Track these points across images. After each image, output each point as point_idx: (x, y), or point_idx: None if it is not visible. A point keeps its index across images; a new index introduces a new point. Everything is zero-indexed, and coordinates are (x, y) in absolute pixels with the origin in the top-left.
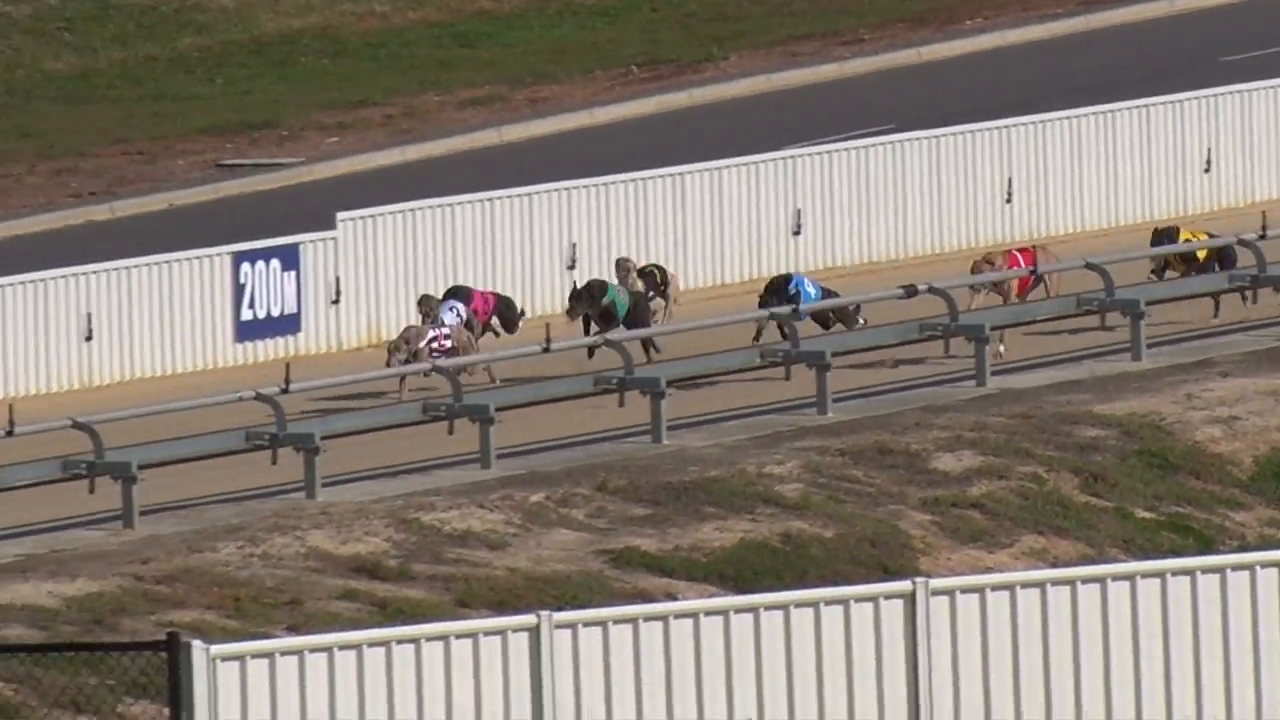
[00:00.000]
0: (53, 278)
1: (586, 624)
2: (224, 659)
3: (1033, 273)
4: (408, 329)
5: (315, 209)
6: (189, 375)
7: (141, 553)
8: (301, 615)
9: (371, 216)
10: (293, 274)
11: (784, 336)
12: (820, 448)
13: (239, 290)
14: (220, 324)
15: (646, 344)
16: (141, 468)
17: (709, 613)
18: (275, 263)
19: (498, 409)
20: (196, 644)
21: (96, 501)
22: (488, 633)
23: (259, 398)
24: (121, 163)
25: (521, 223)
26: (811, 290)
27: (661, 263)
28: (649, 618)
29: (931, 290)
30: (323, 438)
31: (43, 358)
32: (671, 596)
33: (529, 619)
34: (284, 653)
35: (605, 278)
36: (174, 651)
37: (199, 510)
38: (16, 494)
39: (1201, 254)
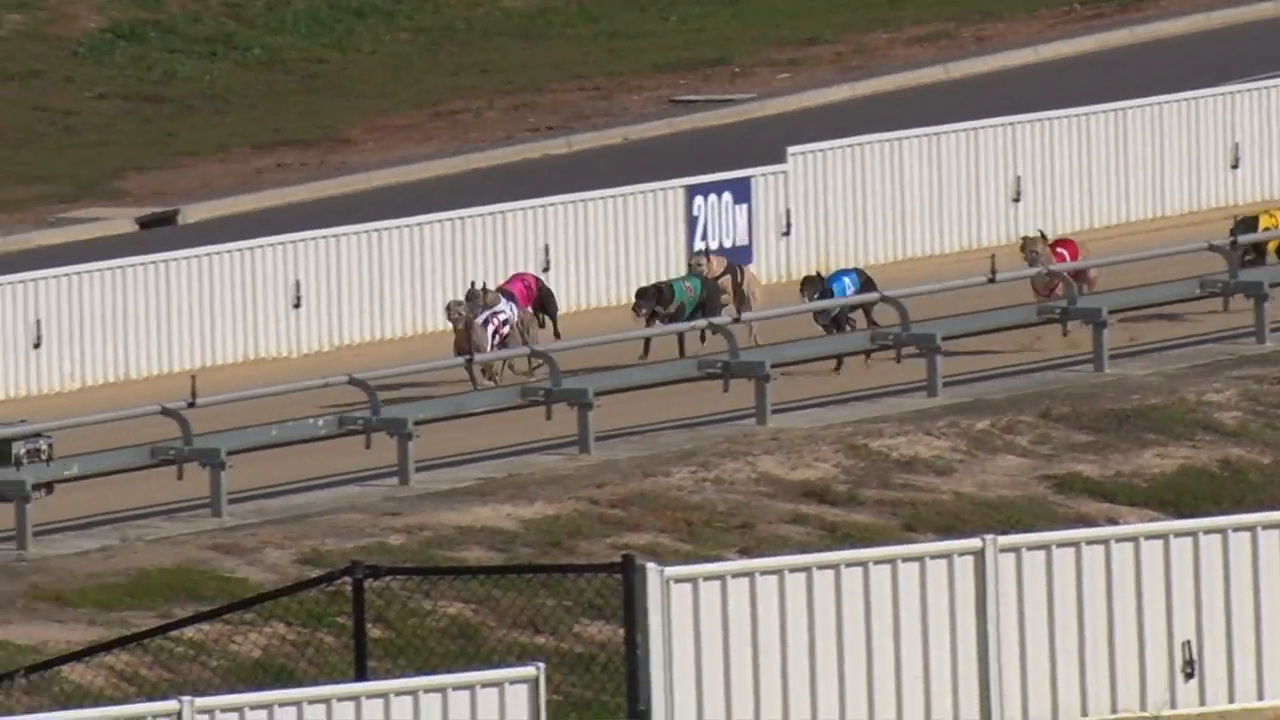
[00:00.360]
0: (511, 210)
1: (1030, 548)
2: (677, 581)
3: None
4: (457, 304)
5: (766, 143)
6: None
7: (597, 477)
8: (753, 538)
9: (821, 151)
10: (744, 207)
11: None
12: (1258, 376)
13: (692, 222)
14: (673, 256)
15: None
16: (597, 394)
17: (1149, 536)
18: (727, 196)
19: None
20: (651, 566)
21: (553, 427)
22: (933, 556)
23: (712, 328)
24: (578, 98)
25: (968, 157)
26: (849, 285)
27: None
28: (1091, 541)
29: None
30: (772, 366)
31: None
32: (1113, 521)
33: (974, 543)
34: (735, 575)
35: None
36: (629, 574)
37: (653, 436)
38: (476, 420)
39: (1272, 245)
